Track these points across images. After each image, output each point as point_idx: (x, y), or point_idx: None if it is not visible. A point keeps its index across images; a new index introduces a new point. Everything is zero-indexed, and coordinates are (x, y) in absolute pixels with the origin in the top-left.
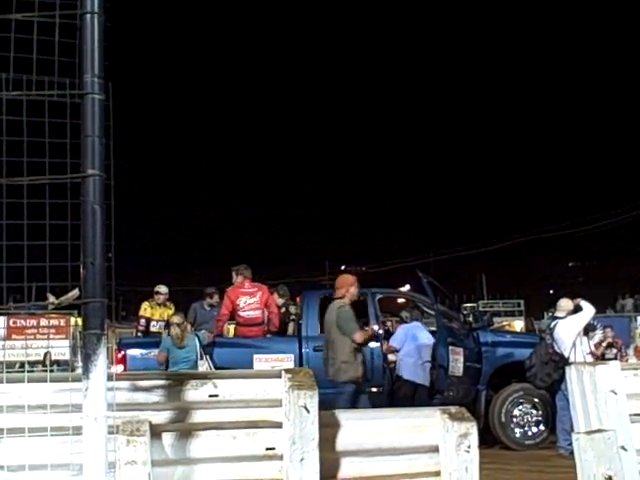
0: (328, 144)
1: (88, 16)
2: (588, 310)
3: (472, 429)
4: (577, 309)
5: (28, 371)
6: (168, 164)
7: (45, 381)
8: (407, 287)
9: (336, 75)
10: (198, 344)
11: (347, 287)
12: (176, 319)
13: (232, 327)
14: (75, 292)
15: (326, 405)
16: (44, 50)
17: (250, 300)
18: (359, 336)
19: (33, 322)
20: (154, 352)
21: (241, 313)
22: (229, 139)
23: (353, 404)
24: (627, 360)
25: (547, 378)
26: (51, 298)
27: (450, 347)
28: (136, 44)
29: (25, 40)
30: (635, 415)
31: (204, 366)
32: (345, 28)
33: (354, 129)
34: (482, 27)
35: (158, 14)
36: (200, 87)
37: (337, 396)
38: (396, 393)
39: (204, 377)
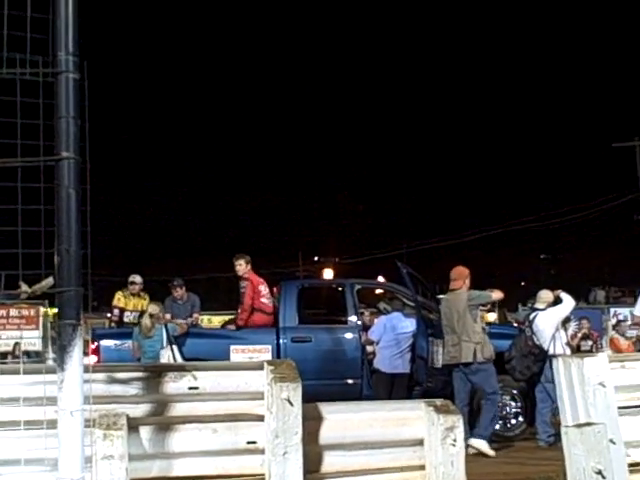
0: (302, 133)
1: None
2: (568, 302)
3: (458, 422)
4: (557, 301)
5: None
6: (144, 150)
7: (18, 373)
8: (380, 278)
9: (326, 66)
10: (165, 334)
11: (464, 279)
12: (151, 308)
13: (205, 317)
14: (49, 280)
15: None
16: (15, 26)
17: (266, 289)
18: (497, 293)
19: (3, 312)
20: (128, 343)
21: (264, 300)
22: (206, 129)
23: (491, 381)
24: (603, 352)
25: (526, 371)
26: (24, 287)
27: (429, 338)
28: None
29: None
30: (623, 408)
31: (166, 356)
32: (344, 24)
33: (329, 119)
34: (478, 22)
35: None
36: (183, 75)
37: (467, 376)
38: (374, 385)
39: (183, 369)
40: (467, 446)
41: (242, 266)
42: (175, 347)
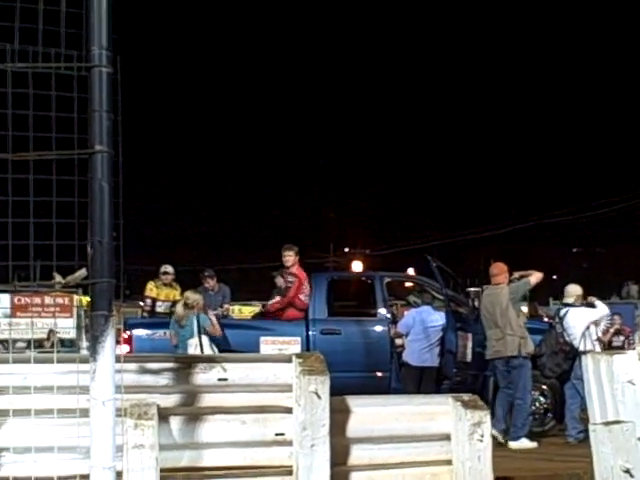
0: (333, 125)
1: None
2: (601, 309)
3: (485, 417)
4: (590, 304)
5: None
6: (178, 141)
7: (52, 362)
8: (410, 270)
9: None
10: (196, 324)
11: (504, 274)
12: (192, 298)
13: (237, 307)
14: (82, 272)
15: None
16: (51, 21)
17: (307, 285)
18: (535, 275)
19: (38, 300)
20: (160, 333)
21: (302, 297)
22: (242, 121)
23: (526, 379)
24: (634, 348)
25: (556, 368)
26: (57, 277)
27: (459, 332)
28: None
29: (31, 10)
30: None
31: (193, 345)
32: (344, 26)
33: (358, 111)
34: (481, 21)
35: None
36: (195, 77)
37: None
38: (402, 379)
39: (213, 360)
40: (505, 442)
41: (292, 257)
42: (205, 338)
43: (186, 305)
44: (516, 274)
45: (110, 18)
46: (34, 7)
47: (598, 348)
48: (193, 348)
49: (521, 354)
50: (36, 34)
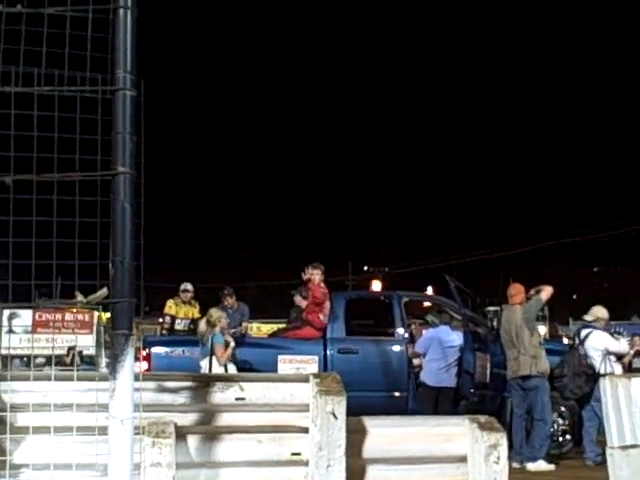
0: (355, 143)
1: (121, 11)
2: (623, 347)
3: (502, 440)
4: (615, 332)
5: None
6: (198, 159)
7: (72, 380)
8: (430, 289)
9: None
10: (210, 344)
11: (521, 294)
12: (212, 313)
13: (254, 325)
14: (104, 291)
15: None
16: (76, 45)
17: (329, 305)
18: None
19: (58, 316)
20: (178, 351)
21: (321, 317)
22: (253, 134)
23: (544, 400)
24: None
25: (578, 390)
26: (79, 296)
27: (477, 353)
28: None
29: (57, 35)
30: None
31: (203, 366)
32: (344, 33)
33: (380, 131)
34: (488, 33)
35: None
36: (208, 88)
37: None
38: (419, 399)
39: (231, 380)
40: (522, 466)
41: (319, 275)
42: (215, 358)
43: (208, 322)
44: (532, 291)
45: (135, 42)
46: (61, 32)
47: (619, 371)
48: (202, 369)
49: (532, 373)
50: (62, 58)
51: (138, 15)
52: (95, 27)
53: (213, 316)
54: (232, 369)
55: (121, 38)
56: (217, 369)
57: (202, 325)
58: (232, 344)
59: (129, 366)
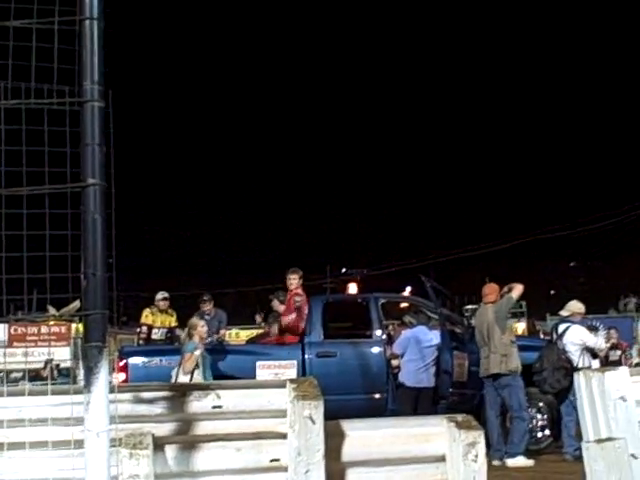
0: (327, 146)
1: (87, 22)
2: (600, 343)
3: (479, 438)
4: (591, 327)
5: (30, 379)
6: (173, 168)
7: (46, 394)
8: (408, 289)
9: (339, 78)
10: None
11: (495, 293)
12: (199, 324)
13: (233, 331)
14: (76, 304)
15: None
16: (43, 57)
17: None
18: (516, 289)
19: (34, 329)
20: (156, 360)
21: (303, 319)
22: (227, 142)
23: (519, 397)
24: (631, 362)
25: (557, 384)
26: (52, 310)
27: (454, 352)
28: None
29: (23, 47)
30: None
31: (173, 375)
32: (342, 35)
33: (353, 132)
34: (484, 31)
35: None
36: (191, 94)
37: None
38: (399, 400)
39: (207, 388)
40: (502, 462)
41: (296, 280)
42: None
43: (188, 332)
44: (505, 288)
45: (102, 53)
46: (27, 45)
47: (597, 365)
48: (172, 379)
49: (502, 371)
50: (29, 71)
51: (105, 26)
52: (62, 39)
53: (189, 324)
54: (198, 377)
55: (88, 50)
56: (182, 378)
57: (183, 335)
58: (197, 352)
59: (104, 378)
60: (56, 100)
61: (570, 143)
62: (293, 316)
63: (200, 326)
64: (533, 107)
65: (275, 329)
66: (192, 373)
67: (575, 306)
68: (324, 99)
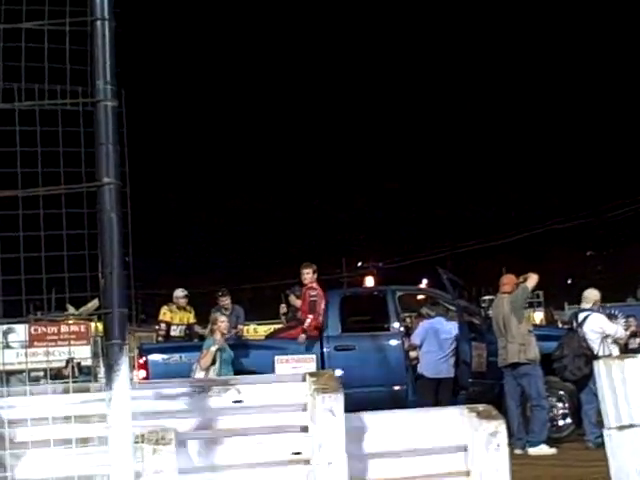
0: (341, 140)
1: (98, 23)
2: (620, 331)
3: (501, 427)
4: (611, 316)
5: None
6: (189, 164)
7: (68, 392)
8: (425, 281)
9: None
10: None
11: (511, 284)
12: (220, 319)
13: (251, 327)
14: (95, 302)
15: None
16: (55, 58)
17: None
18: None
19: (54, 329)
20: (175, 357)
21: (320, 313)
22: (242, 137)
23: (538, 386)
24: None
25: (577, 371)
26: (71, 309)
27: (473, 343)
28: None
29: (36, 49)
30: None
31: (194, 370)
32: (341, 32)
33: (368, 128)
34: (483, 21)
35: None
36: (204, 92)
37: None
38: (419, 391)
39: (228, 383)
40: (524, 450)
41: (310, 275)
42: (217, 363)
43: (211, 326)
44: (520, 278)
45: (114, 53)
46: (40, 46)
47: (617, 352)
48: (195, 374)
49: (521, 361)
50: (42, 72)
51: (116, 26)
52: (73, 40)
53: (211, 320)
54: (213, 375)
55: (100, 50)
56: (199, 374)
57: (207, 331)
58: (212, 349)
59: (125, 375)
60: (70, 101)
61: (586, 132)
62: (310, 319)
63: (220, 321)
64: (551, 97)
65: (294, 325)
66: (208, 369)
67: (592, 294)
68: (338, 91)
